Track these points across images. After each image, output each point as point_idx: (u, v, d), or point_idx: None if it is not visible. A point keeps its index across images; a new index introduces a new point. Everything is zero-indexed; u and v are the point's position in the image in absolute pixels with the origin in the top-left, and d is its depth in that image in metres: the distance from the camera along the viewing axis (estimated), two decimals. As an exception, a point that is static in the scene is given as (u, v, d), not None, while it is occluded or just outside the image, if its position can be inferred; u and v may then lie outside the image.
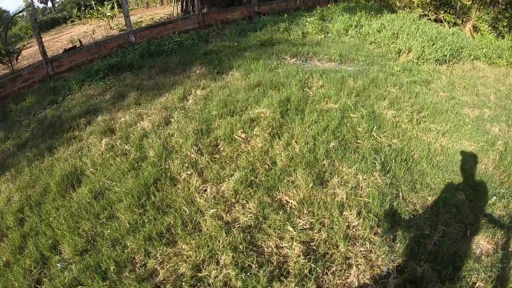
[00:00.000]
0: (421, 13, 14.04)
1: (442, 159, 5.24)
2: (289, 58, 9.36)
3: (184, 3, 18.50)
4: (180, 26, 14.25)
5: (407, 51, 10.14)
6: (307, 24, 12.23)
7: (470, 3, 14.87)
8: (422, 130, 5.90)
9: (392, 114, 6.09)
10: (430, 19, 14.16)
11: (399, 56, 10.12)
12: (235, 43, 10.73)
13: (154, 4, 34.26)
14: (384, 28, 11.12)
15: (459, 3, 14.61)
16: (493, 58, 11.41)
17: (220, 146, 5.25)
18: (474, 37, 13.88)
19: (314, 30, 11.69)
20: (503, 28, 14.35)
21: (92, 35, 16.17)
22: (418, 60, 9.77)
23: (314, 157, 4.74)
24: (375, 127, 5.57)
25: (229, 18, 14.86)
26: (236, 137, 5.29)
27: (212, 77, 7.99)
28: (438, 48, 9.91)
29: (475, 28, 14.73)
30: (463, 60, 10.55)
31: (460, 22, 14.61)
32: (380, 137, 5.38)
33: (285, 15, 13.77)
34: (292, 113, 5.76)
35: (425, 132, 5.85)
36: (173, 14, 19.64)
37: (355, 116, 5.82)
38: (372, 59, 9.40)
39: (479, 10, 14.65)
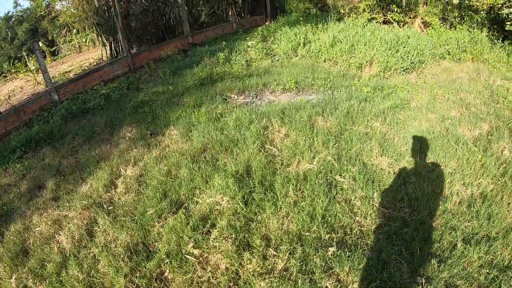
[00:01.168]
0: (369, 17, 12.87)
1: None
2: (236, 97, 7.68)
3: (112, 45, 16.27)
4: (108, 73, 12.22)
5: (369, 65, 8.72)
6: (249, 49, 10.66)
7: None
8: (435, 181, 4.29)
9: (389, 164, 4.49)
10: (378, 22, 13.02)
11: (361, 71, 8.69)
12: (170, 87, 8.96)
13: (86, 47, 31.63)
14: (337, 41, 9.70)
15: (404, 0, 13.61)
16: (457, 54, 10.29)
17: (166, 273, 3.38)
18: (427, 33, 12.86)
19: (259, 55, 10.11)
20: (454, 19, 13.44)
21: (8, 100, 13.66)
22: (384, 73, 8.36)
23: (309, 279, 2.97)
24: (375, 193, 3.91)
25: (162, 55, 13.02)
26: (187, 256, 3.44)
27: (145, 143, 6.17)
28: (404, 55, 8.56)
29: (425, 24, 13.76)
30: (430, 62, 9.29)
31: (409, 19, 13.57)
32: (388, 209, 3.70)
33: (223, 42, 12.13)
34: (258, 195, 3.99)
35: (441, 185, 4.24)
36: (102, 58, 17.29)
37: (344, 180, 4.14)
38: (333, 81, 7.93)
39: (426, 4, 13.69)
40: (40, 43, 22.33)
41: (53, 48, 24.16)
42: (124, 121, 7.49)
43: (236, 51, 11.01)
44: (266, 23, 18.13)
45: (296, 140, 5.13)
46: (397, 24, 13.24)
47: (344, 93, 7.18)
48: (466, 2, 13.95)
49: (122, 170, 5.53)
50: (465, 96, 7.59)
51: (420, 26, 13.76)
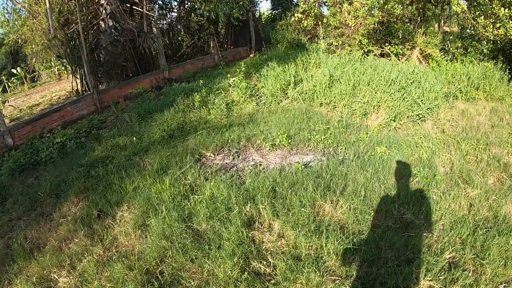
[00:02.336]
0: (365, 50, 11.52)
1: None
2: (213, 156, 6.06)
3: (82, 78, 14.24)
4: (71, 113, 10.44)
5: (375, 110, 7.22)
6: (230, 88, 9.07)
7: (413, 27, 12.71)
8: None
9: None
10: (375, 55, 11.67)
11: (367, 119, 7.16)
12: (135, 138, 7.31)
13: (66, 75, 29.33)
14: (334, 80, 8.22)
15: (400, 31, 12.34)
16: (469, 92, 8.93)
17: None
18: (431, 67, 11.56)
19: (242, 96, 8.54)
20: (457, 50, 12.20)
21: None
22: (395, 121, 6.86)
23: None
24: None
25: (134, 92, 11.36)
26: None
27: (89, 231, 4.49)
28: (418, 99, 7.10)
29: (424, 56, 12.49)
30: (443, 104, 7.87)
31: (406, 51, 12.27)
32: None
33: (201, 80, 10.54)
34: None
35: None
36: (77, 89, 15.04)
37: None
38: (335, 134, 6.38)
39: (425, 34, 12.44)
40: (19, 69, 20.87)
41: (32, 74, 22.16)
42: (72, 188, 5.74)
43: (216, 90, 9.43)
44: (251, 55, 16.75)
45: (296, 244, 3.47)
46: (395, 57, 11.93)
47: (352, 153, 5.62)
48: (468, 31, 12.80)
49: (53, 276, 3.79)
50: (498, 153, 6.13)
51: (419, 58, 12.48)
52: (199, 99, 8.38)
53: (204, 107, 8.35)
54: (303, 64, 9.99)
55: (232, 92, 9.06)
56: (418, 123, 6.91)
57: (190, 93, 9.67)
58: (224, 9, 12.71)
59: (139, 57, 13.58)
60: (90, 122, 9.43)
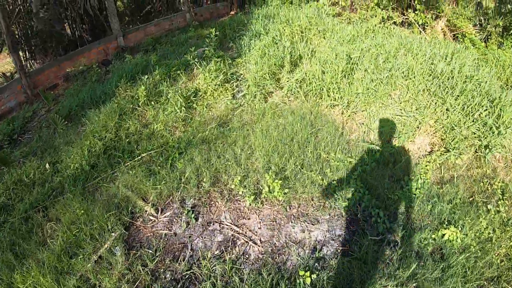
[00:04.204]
0: (384, 16, 8.61)
1: None
2: (153, 215, 3.47)
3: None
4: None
5: (421, 126, 4.55)
6: (197, 64, 6.04)
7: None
8: None
9: None
10: (395, 22, 8.81)
11: (407, 142, 4.49)
12: (48, 165, 4.70)
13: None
14: (353, 64, 5.41)
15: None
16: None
17: None
18: (465, 45, 8.79)
19: (212, 82, 5.61)
20: (495, 28, 9.43)
21: None
22: (450, 149, 4.22)
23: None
24: None
25: (74, 71, 8.17)
26: None
27: None
28: (486, 116, 4.44)
29: (451, 29, 9.67)
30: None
31: (431, 21, 9.39)
32: None
33: (153, 56, 7.48)
34: None
35: None
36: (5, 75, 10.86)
37: None
38: (364, 179, 3.71)
39: (455, 3, 9.54)
40: None
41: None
42: None
43: (176, 69, 6.46)
44: (232, 13, 13.47)
45: None
46: (419, 28, 9.12)
47: (400, 233, 2.99)
48: (509, 6, 9.96)
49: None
50: None
51: (444, 32, 9.60)
52: (145, 93, 5.43)
53: (152, 103, 5.45)
54: (302, 32, 7.04)
55: (197, 74, 6.09)
56: (487, 159, 4.23)
57: (138, 75, 6.66)
58: None
59: (84, 21, 10.23)
60: (10, 124, 6.43)
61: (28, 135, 6.20)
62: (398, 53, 5.88)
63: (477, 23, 9.62)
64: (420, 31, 9.00)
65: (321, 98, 5.16)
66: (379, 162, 4.02)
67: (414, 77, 5.06)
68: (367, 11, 8.83)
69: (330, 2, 9.32)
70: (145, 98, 5.43)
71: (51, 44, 8.37)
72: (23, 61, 8.14)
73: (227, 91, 5.55)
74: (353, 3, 9.16)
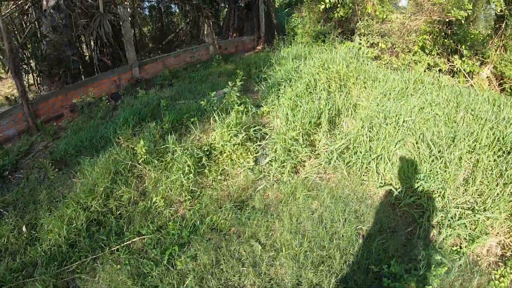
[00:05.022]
0: (430, 62, 7.55)
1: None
2: None
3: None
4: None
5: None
6: (214, 114, 5.00)
7: (490, 32, 8.67)
8: None
9: None
10: (441, 70, 7.73)
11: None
12: (25, 228, 3.93)
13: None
14: (403, 123, 4.33)
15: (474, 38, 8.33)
16: None
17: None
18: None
19: (230, 142, 4.52)
20: None
21: None
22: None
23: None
24: None
25: (86, 100, 7.29)
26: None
27: None
28: None
29: (497, 77, 8.54)
30: None
31: (478, 68, 8.25)
32: None
33: (163, 101, 6.34)
34: None
35: None
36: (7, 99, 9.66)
37: None
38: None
39: (504, 48, 8.42)
40: None
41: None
42: None
43: (189, 116, 5.46)
44: (258, 47, 12.61)
45: None
46: (466, 76, 8.05)
47: None
48: None
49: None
50: None
51: (490, 80, 8.44)
52: (145, 149, 4.38)
53: (155, 161, 4.41)
54: (341, 80, 6.01)
55: (214, 126, 5.04)
56: None
57: (146, 120, 5.71)
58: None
59: (105, 45, 9.43)
60: (3, 158, 5.50)
61: (19, 173, 5.24)
62: (457, 115, 4.78)
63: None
64: (468, 80, 7.91)
65: (367, 173, 4.03)
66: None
67: (483, 152, 3.92)
68: (410, 55, 7.77)
69: (368, 42, 8.30)
70: (145, 156, 4.39)
71: (57, 70, 7.50)
72: (26, 86, 7.33)
73: (249, 153, 4.47)
74: (394, 46, 8.11)
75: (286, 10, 14.33)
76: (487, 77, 8.34)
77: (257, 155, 4.52)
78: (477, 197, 3.53)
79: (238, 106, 5.20)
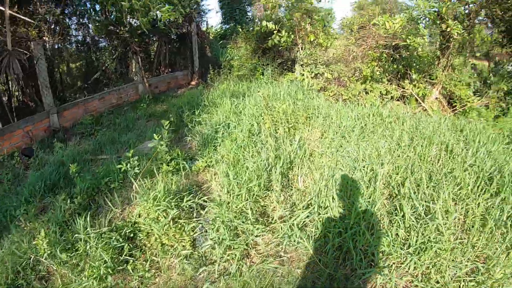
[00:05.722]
0: (383, 90, 6.96)
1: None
2: None
3: None
4: None
5: None
6: (135, 182, 3.86)
7: (437, 52, 8.32)
8: None
9: None
10: (393, 97, 7.18)
11: None
12: None
13: None
14: (375, 177, 3.43)
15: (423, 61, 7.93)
16: None
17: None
18: (466, 116, 7.36)
19: (158, 222, 3.38)
20: (496, 93, 8.12)
21: None
22: None
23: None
24: None
25: None
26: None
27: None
28: None
29: (446, 96, 8.23)
30: None
31: (431, 91, 7.88)
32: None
33: (73, 166, 4.89)
34: None
35: None
36: None
37: None
38: None
39: (451, 68, 8.12)
40: None
41: None
42: None
43: (108, 181, 4.32)
44: (192, 83, 11.63)
45: None
46: (417, 101, 7.61)
47: None
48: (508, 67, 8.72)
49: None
50: None
51: (439, 101, 8.08)
52: (46, 243, 3.17)
53: (63, 255, 3.24)
54: (288, 120, 5.12)
55: (136, 200, 3.86)
56: None
57: (59, 184, 4.50)
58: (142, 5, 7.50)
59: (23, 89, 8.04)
60: None
61: None
62: (429, 152, 4.05)
63: (476, 88, 8.28)
64: (420, 104, 7.42)
65: (340, 254, 3.07)
66: None
67: (468, 198, 3.19)
68: (359, 84, 7.14)
69: (312, 73, 7.59)
70: (49, 251, 3.17)
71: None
72: None
73: (184, 233, 3.37)
74: (340, 75, 7.46)
75: (220, 42, 13.54)
76: (436, 98, 7.96)
77: (195, 235, 3.43)
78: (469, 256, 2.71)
79: (167, 166, 4.16)
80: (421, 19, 6.52)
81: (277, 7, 8.10)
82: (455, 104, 7.81)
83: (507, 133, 6.24)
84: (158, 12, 7.91)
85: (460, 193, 3.38)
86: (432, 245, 2.75)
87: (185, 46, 11.96)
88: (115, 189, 4.20)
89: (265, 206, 3.60)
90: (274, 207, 3.51)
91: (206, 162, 4.60)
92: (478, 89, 8.35)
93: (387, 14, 6.43)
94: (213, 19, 28.72)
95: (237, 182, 3.64)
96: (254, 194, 3.54)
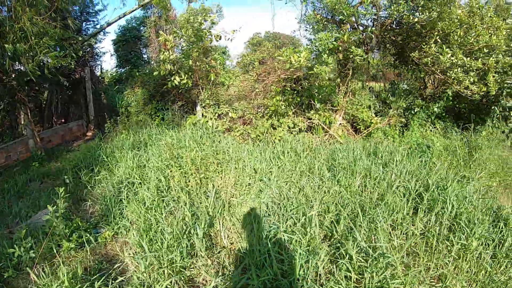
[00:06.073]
0: (291, 124, 6.89)
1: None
2: None
3: None
4: None
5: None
6: (32, 271, 3.10)
7: (338, 79, 8.51)
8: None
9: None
10: (301, 129, 7.16)
11: None
12: None
13: None
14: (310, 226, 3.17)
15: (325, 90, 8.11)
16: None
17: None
18: (375, 137, 7.66)
19: None
20: (396, 110, 8.62)
21: None
22: None
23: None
24: None
25: None
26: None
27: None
28: None
29: (349, 121, 8.51)
30: None
31: (336, 119, 8.08)
32: None
33: None
34: None
35: None
36: None
37: None
38: None
39: (351, 93, 8.47)
40: None
41: None
42: None
43: (0, 273, 3.44)
44: (88, 134, 10.61)
45: None
46: (323, 129, 7.68)
47: None
48: (403, 86, 9.31)
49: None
50: None
51: (344, 126, 8.28)
52: None
53: None
54: (198, 169, 4.67)
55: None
56: None
57: None
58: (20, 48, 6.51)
59: None
60: None
61: None
62: (354, 182, 3.92)
63: (376, 109, 8.67)
64: (327, 132, 7.48)
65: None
66: None
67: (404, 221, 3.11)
68: (264, 120, 6.98)
69: (215, 114, 7.28)
70: None
71: None
72: None
73: None
74: (244, 113, 7.26)
75: (116, 87, 12.72)
76: (340, 124, 8.13)
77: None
78: None
79: (67, 243, 3.44)
80: (324, 50, 6.59)
81: (174, 47, 7.72)
82: (359, 126, 8.04)
83: (414, 146, 6.58)
84: (46, 57, 6.98)
85: (396, 218, 3.27)
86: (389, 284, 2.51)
87: (79, 93, 10.95)
88: (10, 278, 3.31)
89: (192, 276, 3.06)
90: (204, 277, 2.99)
91: (113, 229, 3.94)
92: (379, 110, 8.72)
93: (290, 47, 6.40)
94: (108, 63, 27.43)
95: (155, 256, 3.06)
96: (178, 267, 2.99)
